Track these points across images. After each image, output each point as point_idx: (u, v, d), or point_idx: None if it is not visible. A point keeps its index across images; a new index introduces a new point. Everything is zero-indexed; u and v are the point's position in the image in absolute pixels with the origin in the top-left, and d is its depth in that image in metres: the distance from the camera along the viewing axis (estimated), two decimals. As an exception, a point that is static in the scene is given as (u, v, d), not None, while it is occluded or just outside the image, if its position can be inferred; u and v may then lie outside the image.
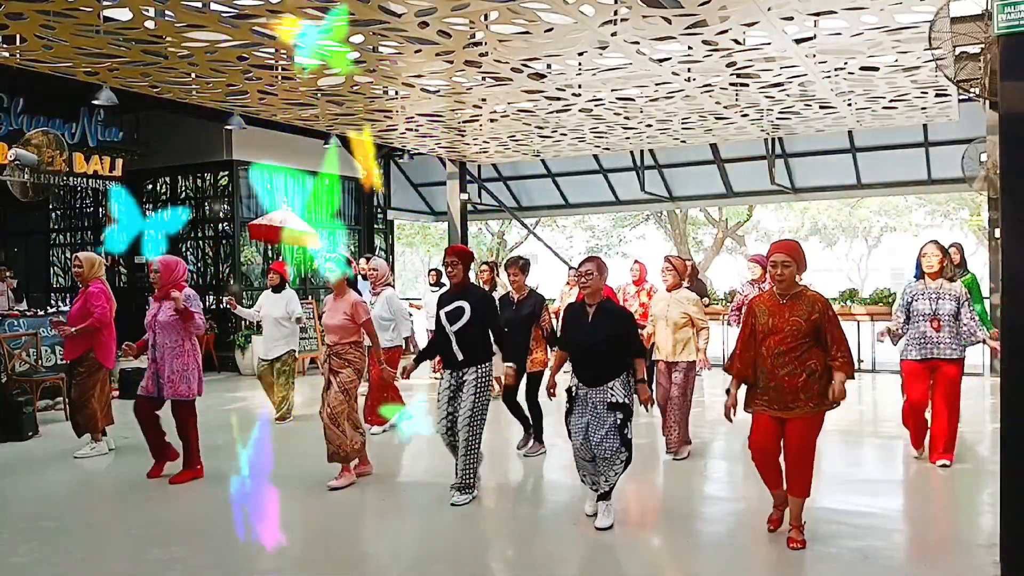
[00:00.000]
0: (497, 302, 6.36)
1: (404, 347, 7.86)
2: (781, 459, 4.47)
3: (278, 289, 8.10)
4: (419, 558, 4.50)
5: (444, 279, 12.31)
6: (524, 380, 6.61)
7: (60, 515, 5.26)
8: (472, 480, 5.33)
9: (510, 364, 5.42)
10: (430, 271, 12.70)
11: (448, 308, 5.27)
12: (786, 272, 4.29)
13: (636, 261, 8.87)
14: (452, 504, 5.24)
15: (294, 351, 8.24)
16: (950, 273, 6.00)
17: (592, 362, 4.75)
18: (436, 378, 11.89)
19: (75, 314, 6.69)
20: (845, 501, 5.40)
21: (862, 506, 5.31)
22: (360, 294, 6.27)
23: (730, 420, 4.55)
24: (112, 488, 5.86)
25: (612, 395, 4.68)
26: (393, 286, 7.98)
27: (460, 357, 5.20)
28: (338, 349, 5.74)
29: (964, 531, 4.91)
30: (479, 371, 5.23)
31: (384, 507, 5.44)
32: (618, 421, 4.66)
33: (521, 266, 6.55)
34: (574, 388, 4.84)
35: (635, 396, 4.81)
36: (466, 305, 5.21)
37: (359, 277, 8.60)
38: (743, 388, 4.53)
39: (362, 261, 9.81)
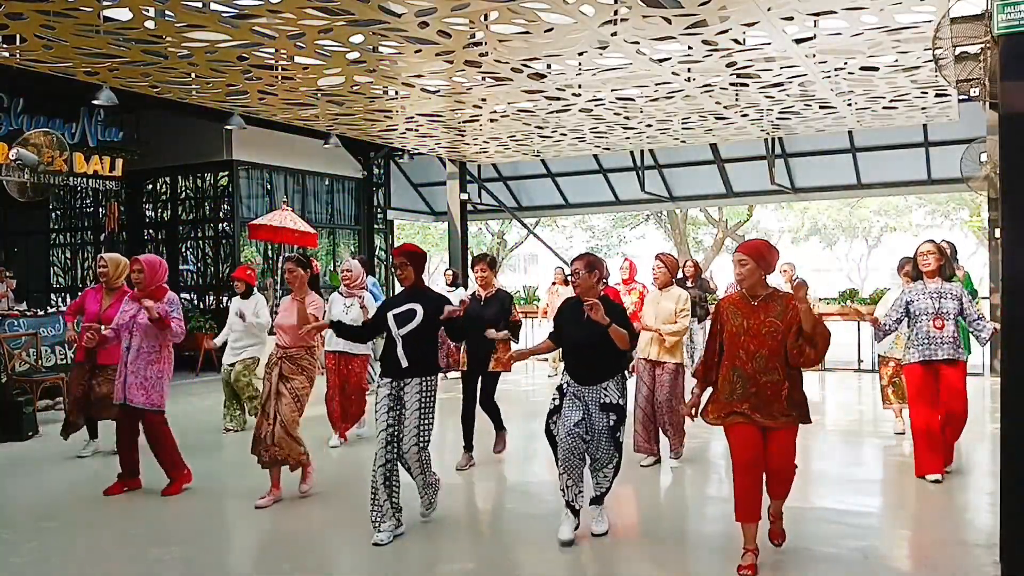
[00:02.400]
0: (467, 299, 6.21)
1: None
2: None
3: (246, 295, 7.95)
4: (411, 566, 4.50)
5: (459, 280, 12.34)
6: (484, 379, 6.47)
7: (60, 515, 5.26)
8: (434, 498, 5.01)
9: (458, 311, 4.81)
10: (446, 271, 12.72)
11: (398, 310, 4.79)
12: (744, 271, 4.21)
13: (626, 259, 8.74)
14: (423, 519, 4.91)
15: (258, 358, 7.98)
16: (948, 272, 5.96)
17: (586, 359, 4.64)
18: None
19: (113, 317, 6.26)
20: (845, 501, 5.40)
21: (862, 506, 5.31)
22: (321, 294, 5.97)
23: (691, 419, 4.49)
24: (112, 488, 5.86)
25: (606, 395, 4.56)
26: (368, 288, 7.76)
27: (404, 364, 4.70)
28: (292, 353, 5.38)
29: (964, 531, 4.90)
30: (423, 384, 4.71)
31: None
32: (611, 423, 4.55)
33: (488, 263, 6.41)
34: (564, 385, 4.71)
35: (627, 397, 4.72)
36: (419, 308, 4.76)
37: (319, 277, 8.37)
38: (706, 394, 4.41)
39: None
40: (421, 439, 4.68)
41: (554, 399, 4.77)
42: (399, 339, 4.73)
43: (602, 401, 4.57)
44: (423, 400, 4.69)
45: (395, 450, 4.70)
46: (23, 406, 7.63)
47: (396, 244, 17.54)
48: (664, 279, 6.27)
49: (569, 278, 4.81)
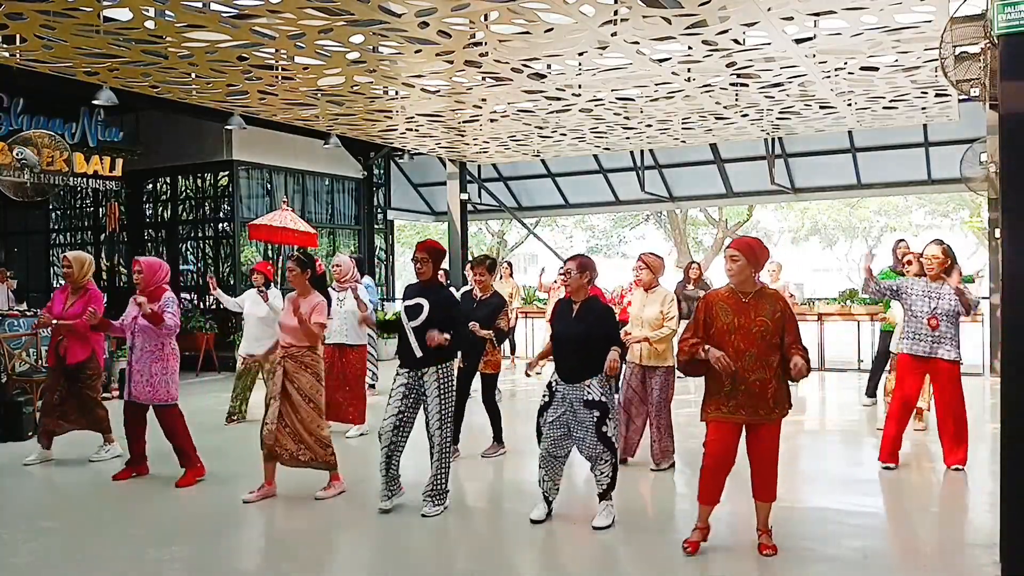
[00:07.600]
0: (459, 297, 6.36)
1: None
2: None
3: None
4: (409, 565, 4.50)
5: (363, 269, 12.34)
6: (479, 381, 6.67)
7: (60, 515, 5.26)
8: (445, 487, 5.14)
9: (446, 336, 4.94)
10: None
11: (409, 303, 5.10)
12: (735, 266, 4.24)
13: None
14: (423, 515, 5.01)
15: None
16: (950, 274, 5.96)
17: (572, 355, 4.80)
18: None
19: (74, 316, 6.37)
20: (845, 501, 5.40)
21: (862, 506, 5.31)
22: (329, 297, 6.08)
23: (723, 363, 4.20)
24: (112, 488, 5.86)
25: (588, 393, 4.71)
26: (360, 282, 7.92)
27: (418, 354, 4.97)
28: (293, 352, 5.38)
29: (964, 531, 4.91)
30: (440, 371, 5.03)
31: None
32: (595, 419, 4.69)
33: (488, 266, 6.55)
34: (553, 383, 4.87)
35: (613, 396, 4.86)
36: (424, 303, 5.02)
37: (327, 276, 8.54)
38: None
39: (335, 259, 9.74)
40: (444, 421, 5.02)
41: (544, 396, 4.94)
42: (410, 331, 5.01)
43: (585, 398, 4.71)
44: (441, 386, 5.03)
45: (401, 435, 5.04)
46: (23, 406, 7.62)
47: (396, 244, 17.57)
48: (648, 281, 6.15)
49: (560, 278, 4.93)
